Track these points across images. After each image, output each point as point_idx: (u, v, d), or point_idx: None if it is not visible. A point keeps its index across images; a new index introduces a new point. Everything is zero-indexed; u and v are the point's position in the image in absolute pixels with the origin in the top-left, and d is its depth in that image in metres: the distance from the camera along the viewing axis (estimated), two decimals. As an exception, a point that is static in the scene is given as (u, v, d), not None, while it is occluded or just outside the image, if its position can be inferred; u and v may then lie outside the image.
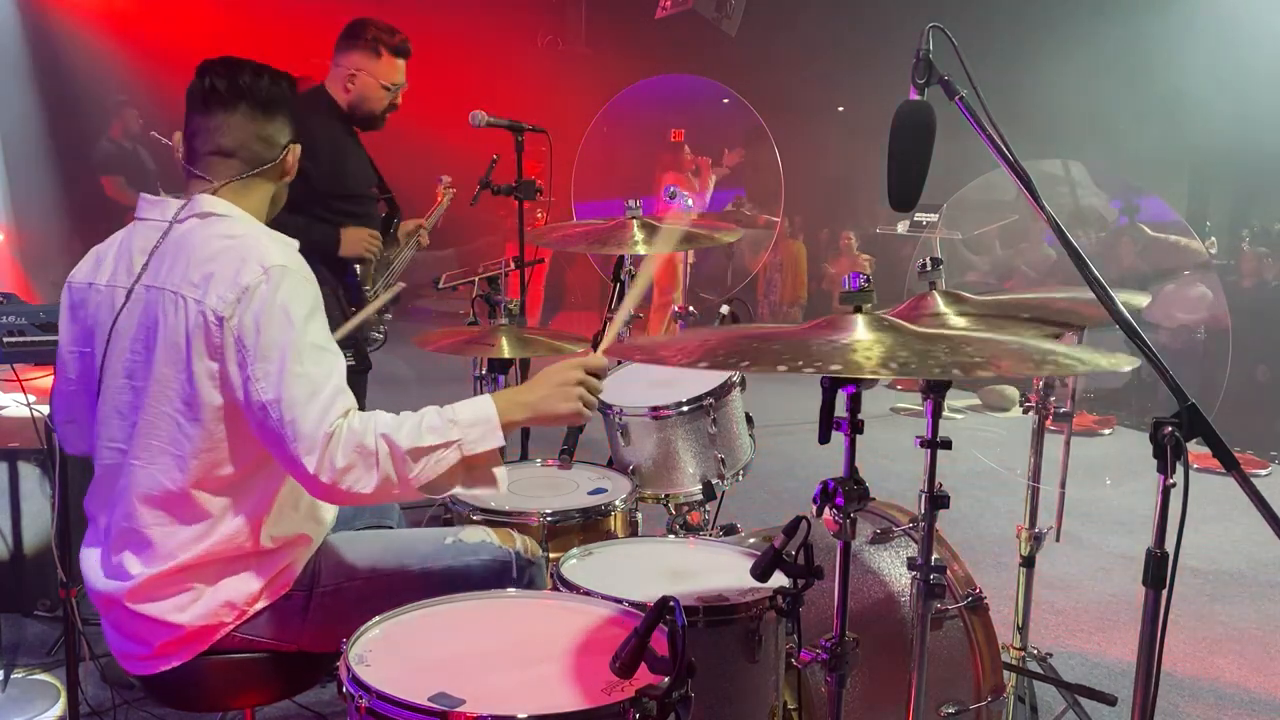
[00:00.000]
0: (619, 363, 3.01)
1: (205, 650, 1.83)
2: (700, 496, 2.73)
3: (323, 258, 3.22)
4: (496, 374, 3.12)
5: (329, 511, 2.00)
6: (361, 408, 1.77)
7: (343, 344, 2.23)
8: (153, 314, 1.77)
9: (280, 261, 1.76)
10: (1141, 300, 2.34)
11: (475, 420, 1.76)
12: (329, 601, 1.91)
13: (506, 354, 2.84)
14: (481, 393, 2.19)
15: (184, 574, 1.79)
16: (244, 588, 1.83)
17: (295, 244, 1.89)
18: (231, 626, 1.84)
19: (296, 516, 1.89)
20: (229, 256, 1.75)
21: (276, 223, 1.96)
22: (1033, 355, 1.59)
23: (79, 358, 1.91)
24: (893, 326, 1.63)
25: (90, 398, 1.86)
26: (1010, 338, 1.71)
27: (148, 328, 1.77)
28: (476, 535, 2.08)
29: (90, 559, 1.87)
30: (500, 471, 1.81)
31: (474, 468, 1.78)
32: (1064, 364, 1.58)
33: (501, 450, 1.80)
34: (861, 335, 1.59)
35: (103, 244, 1.95)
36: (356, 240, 3.35)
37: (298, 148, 1.96)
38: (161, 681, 1.86)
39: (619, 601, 1.79)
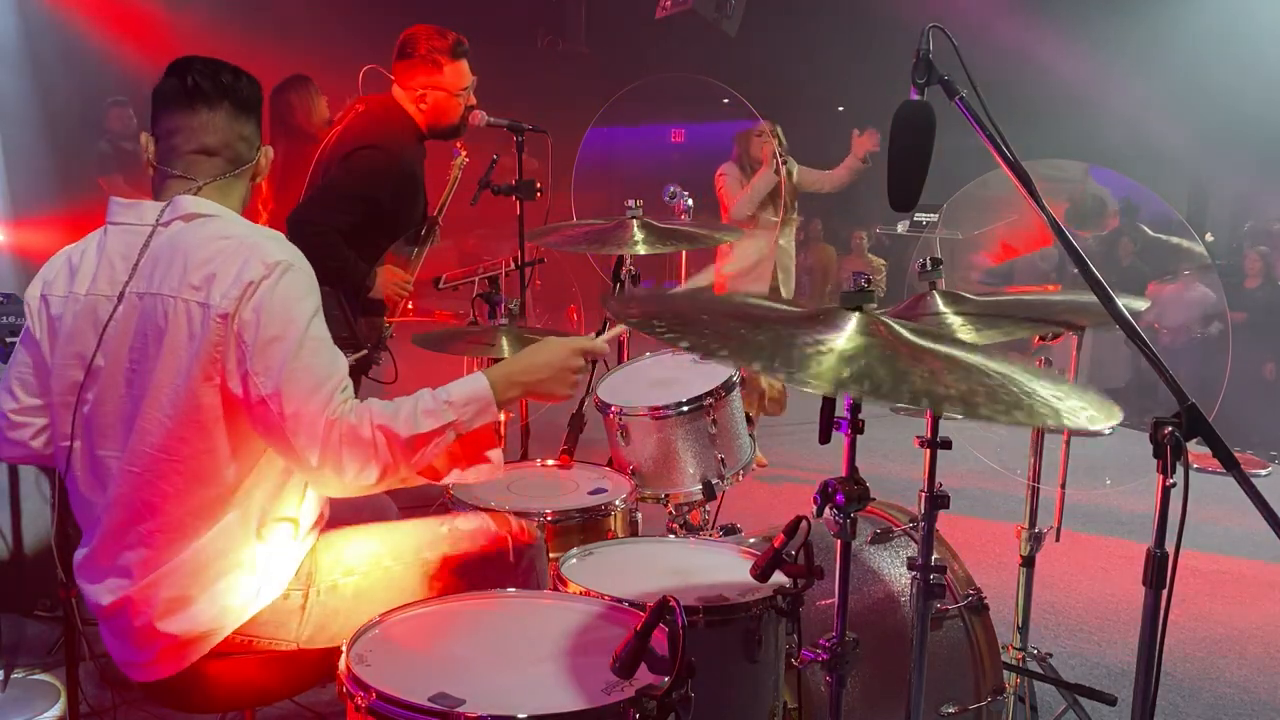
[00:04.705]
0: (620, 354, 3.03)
1: (205, 654, 1.82)
2: (700, 496, 2.73)
3: (349, 286, 3.24)
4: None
5: (323, 507, 2.00)
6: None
7: (341, 345, 2.24)
8: (152, 322, 1.73)
9: (282, 257, 1.75)
10: (1141, 305, 2.34)
11: (469, 399, 1.80)
12: (326, 598, 1.91)
13: (506, 354, 2.84)
14: None
15: (181, 581, 1.77)
16: (242, 590, 1.82)
17: (284, 238, 1.85)
18: (231, 629, 1.83)
19: (290, 515, 1.88)
20: (230, 255, 1.73)
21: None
22: (1005, 396, 1.48)
23: (78, 369, 1.81)
24: (882, 334, 1.58)
25: (57, 409, 1.82)
26: (997, 366, 1.58)
27: (146, 335, 1.74)
28: (471, 522, 2.08)
29: (86, 568, 1.84)
30: (496, 454, 1.84)
31: (470, 449, 1.81)
32: (1038, 413, 1.47)
33: (498, 427, 1.84)
34: (848, 340, 1.54)
35: (72, 249, 1.87)
36: (389, 282, 3.38)
37: (270, 149, 1.94)
38: (161, 685, 1.85)
39: (619, 601, 1.79)
